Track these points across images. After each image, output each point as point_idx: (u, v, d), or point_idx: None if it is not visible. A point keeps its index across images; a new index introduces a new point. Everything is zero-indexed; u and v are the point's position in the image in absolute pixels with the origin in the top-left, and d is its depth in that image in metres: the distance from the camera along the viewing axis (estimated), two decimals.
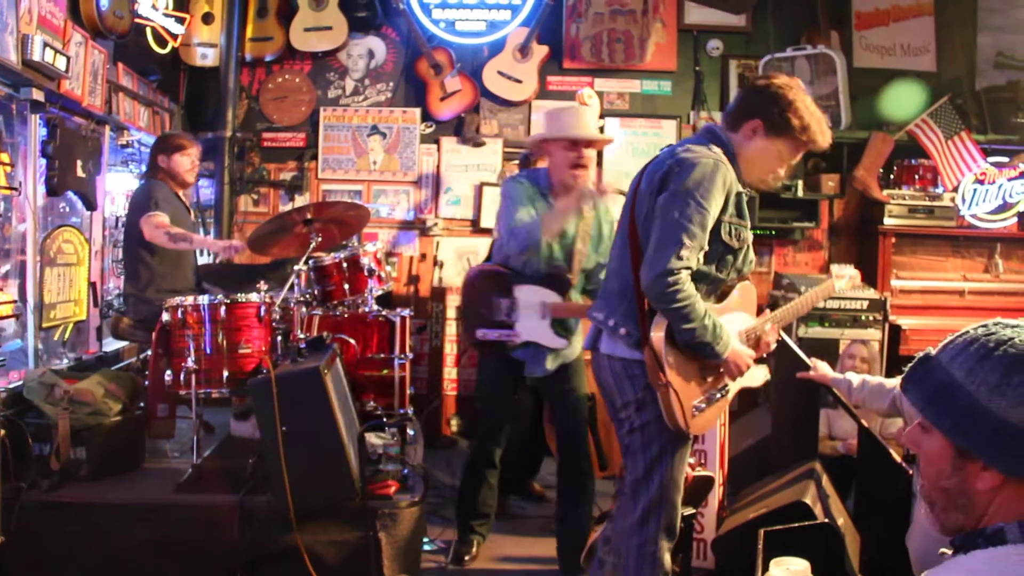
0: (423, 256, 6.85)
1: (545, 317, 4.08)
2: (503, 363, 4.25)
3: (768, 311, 3.37)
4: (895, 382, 3.55)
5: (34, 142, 4.47)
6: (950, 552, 1.34)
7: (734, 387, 3.24)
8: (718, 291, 3.18)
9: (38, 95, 4.38)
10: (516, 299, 4.12)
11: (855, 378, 3.68)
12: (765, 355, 3.30)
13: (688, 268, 2.89)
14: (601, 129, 6.26)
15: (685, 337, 2.94)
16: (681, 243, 2.87)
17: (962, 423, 1.31)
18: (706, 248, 2.97)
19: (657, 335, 2.95)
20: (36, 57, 4.15)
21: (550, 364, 4.18)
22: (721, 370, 3.12)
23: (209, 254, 6.47)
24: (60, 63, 4.37)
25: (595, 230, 4.18)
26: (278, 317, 4.28)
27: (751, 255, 3.22)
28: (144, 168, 5.49)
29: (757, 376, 3.36)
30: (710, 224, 2.94)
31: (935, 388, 1.36)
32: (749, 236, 3.15)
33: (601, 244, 4.19)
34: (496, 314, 4.16)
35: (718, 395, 3.15)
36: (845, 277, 3.81)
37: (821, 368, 3.83)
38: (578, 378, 4.29)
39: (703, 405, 3.07)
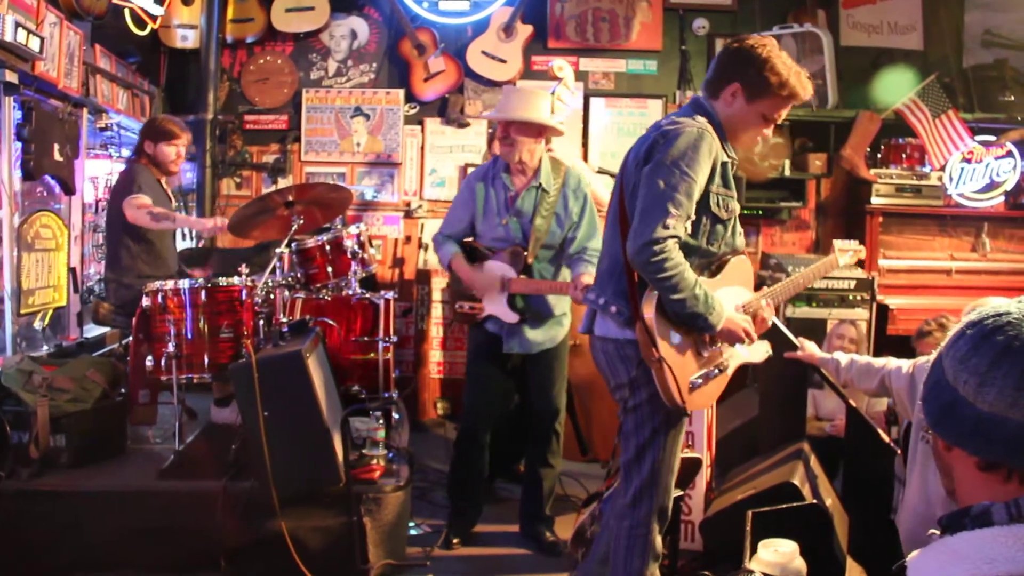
0: (408, 238, 6.79)
1: (503, 292, 4.23)
2: (483, 336, 4.40)
3: (765, 287, 3.33)
4: (883, 361, 3.52)
5: (8, 125, 4.39)
6: (938, 533, 1.32)
7: (733, 363, 3.19)
8: (711, 265, 3.13)
9: (11, 77, 4.30)
10: (484, 273, 4.31)
11: (843, 358, 3.65)
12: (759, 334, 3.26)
13: (675, 237, 2.83)
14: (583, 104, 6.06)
15: (675, 308, 2.88)
16: (667, 212, 2.81)
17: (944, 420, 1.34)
18: (693, 217, 2.92)
19: (648, 309, 2.90)
20: (8, 37, 4.06)
21: (528, 342, 4.30)
22: (718, 344, 3.08)
23: (192, 236, 6.42)
24: (34, 44, 4.29)
25: (560, 206, 4.29)
26: (260, 301, 4.23)
27: (739, 227, 3.18)
28: (129, 151, 5.41)
29: (759, 351, 3.30)
30: (696, 193, 2.89)
31: (930, 385, 1.39)
32: (736, 207, 3.11)
33: (568, 219, 4.29)
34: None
35: (716, 371, 3.09)
36: (849, 252, 3.77)
37: (808, 348, 3.80)
38: (558, 363, 4.41)
39: (700, 381, 3.01)
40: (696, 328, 2.97)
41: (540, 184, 4.27)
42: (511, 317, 4.23)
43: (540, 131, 4.23)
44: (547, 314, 4.30)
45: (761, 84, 2.98)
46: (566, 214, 4.28)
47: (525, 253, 4.23)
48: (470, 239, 4.43)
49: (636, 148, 3.07)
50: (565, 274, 4.34)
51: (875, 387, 3.51)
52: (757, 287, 3.32)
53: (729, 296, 3.08)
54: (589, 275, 4.09)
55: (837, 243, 3.80)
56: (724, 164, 3.01)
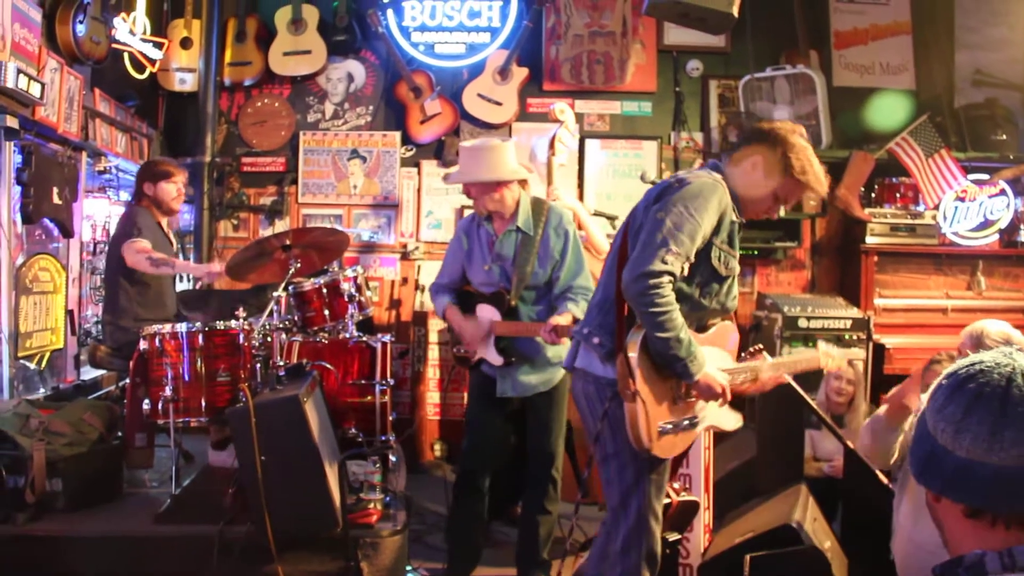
0: (404, 280, 6.81)
1: (491, 335, 4.24)
2: (479, 379, 4.40)
3: (749, 350, 3.34)
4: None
5: (8, 169, 4.42)
6: None
7: (703, 423, 3.19)
8: (700, 321, 3.14)
9: (12, 122, 4.34)
10: (476, 317, 4.32)
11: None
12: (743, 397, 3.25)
13: (671, 275, 2.84)
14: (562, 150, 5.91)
15: (659, 346, 2.88)
16: (668, 248, 2.84)
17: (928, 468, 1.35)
18: (692, 260, 2.94)
19: (633, 347, 2.89)
20: (10, 84, 4.11)
21: (521, 385, 4.26)
22: (693, 396, 3.08)
23: (190, 280, 6.42)
24: (35, 90, 4.33)
25: (541, 246, 4.26)
26: (257, 344, 4.23)
27: (735, 290, 3.21)
28: (128, 194, 5.43)
29: (729, 420, 3.33)
30: (699, 239, 2.92)
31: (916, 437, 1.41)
32: (736, 268, 3.14)
33: (550, 259, 4.25)
34: None
35: (686, 423, 3.09)
36: (832, 357, 3.71)
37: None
38: (555, 408, 4.35)
39: (668, 427, 3.00)
40: (675, 373, 2.97)
41: (518, 226, 4.26)
42: (497, 360, 4.23)
43: (497, 183, 4.25)
44: (536, 356, 4.25)
45: (784, 164, 3.06)
46: (547, 254, 4.25)
47: (508, 296, 4.23)
48: (467, 286, 4.45)
49: (649, 192, 3.11)
50: None
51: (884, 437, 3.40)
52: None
53: (710, 357, 3.07)
54: (564, 316, 4.07)
55: (821, 345, 3.74)
56: (732, 223, 3.06)
